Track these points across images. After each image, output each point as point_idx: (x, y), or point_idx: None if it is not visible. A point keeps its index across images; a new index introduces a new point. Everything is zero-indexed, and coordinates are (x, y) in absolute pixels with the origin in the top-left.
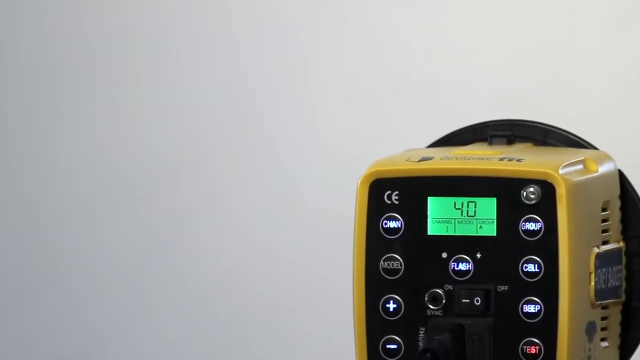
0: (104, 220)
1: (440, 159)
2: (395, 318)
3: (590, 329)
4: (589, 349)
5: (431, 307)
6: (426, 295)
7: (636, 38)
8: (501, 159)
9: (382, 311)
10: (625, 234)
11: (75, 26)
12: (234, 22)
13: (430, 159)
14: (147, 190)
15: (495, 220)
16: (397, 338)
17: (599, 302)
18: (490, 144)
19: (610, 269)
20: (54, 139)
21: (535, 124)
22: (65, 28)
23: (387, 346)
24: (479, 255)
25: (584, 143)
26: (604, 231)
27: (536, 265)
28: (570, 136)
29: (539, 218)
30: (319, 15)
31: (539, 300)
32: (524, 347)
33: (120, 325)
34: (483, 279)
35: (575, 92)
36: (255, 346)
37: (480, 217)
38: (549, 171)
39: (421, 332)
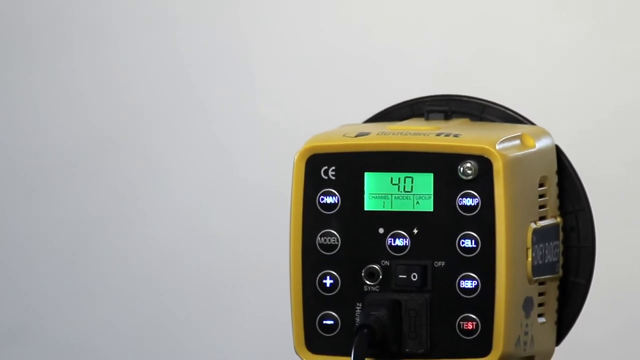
0: (40, 195)
1: (377, 134)
2: (332, 294)
3: (528, 304)
4: (526, 325)
5: (368, 282)
6: (363, 271)
7: (571, 14)
8: (438, 135)
9: (319, 287)
10: (563, 210)
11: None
12: None
13: (367, 134)
14: (83, 165)
15: (432, 196)
16: (333, 314)
17: (536, 278)
18: (427, 119)
19: (547, 244)
20: None
21: (472, 100)
22: (1, 2)
23: (324, 322)
24: (415, 231)
25: (521, 118)
26: (541, 207)
27: (473, 241)
28: (507, 111)
29: (475, 193)
30: None
31: (475, 276)
32: (461, 322)
33: (55, 302)
34: (420, 255)
35: (512, 67)
36: (192, 321)
37: (417, 192)
38: (486, 146)
39: (358, 307)
